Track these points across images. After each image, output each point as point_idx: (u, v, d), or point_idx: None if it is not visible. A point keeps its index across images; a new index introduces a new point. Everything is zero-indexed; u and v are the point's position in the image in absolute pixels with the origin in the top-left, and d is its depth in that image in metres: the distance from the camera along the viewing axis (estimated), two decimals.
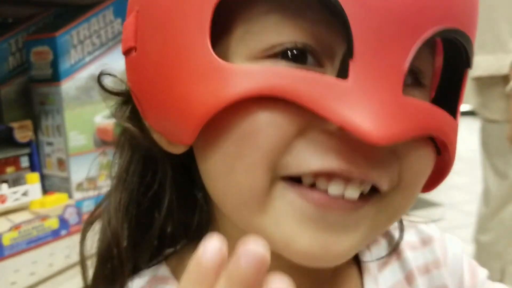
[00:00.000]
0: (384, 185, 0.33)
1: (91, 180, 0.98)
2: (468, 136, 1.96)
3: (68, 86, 0.93)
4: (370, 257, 0.45)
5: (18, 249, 0.84)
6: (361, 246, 0.35)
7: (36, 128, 0.98)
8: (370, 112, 0.29)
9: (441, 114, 0.33)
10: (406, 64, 0.30)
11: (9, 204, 0.87)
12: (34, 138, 0.96)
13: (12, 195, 0.88)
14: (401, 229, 0.47)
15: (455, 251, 0.49)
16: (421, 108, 0.31)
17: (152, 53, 0.35)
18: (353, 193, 0.32)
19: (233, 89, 0.30)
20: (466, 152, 2.70)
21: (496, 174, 1.72)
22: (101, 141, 0.98)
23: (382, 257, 0.46)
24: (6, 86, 1.00)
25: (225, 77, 0.30)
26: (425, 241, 0.49)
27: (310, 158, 0.31)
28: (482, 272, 0.50)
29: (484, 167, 1.81)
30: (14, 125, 0.93)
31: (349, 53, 0.29)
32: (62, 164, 0.96)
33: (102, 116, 0.98)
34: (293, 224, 0.32)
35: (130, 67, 0.38)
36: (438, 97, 0.38)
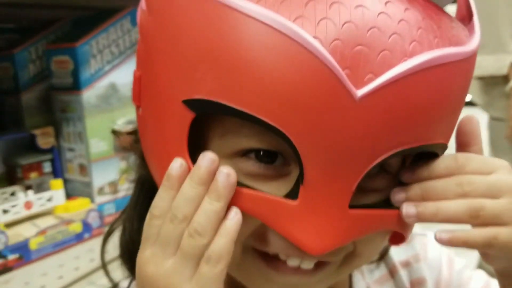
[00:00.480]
0: (337, 258, 0.39)
1: (112, 184, 1.01)
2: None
3: (89, 95, 0.96)
4: None
5: (44, 253, 0.88)
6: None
7: (58, 135, 1.01)
8: (312, 228, 0.34)
9: (389, 214, 0.37)
10: (354, 186, 0.34)
11: (34, 209, 0.91)
12: (55, 144, 0.99)
13: (37, 201, 0.91)
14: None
15: (434, 247, 0.55)
16: (365, 216, 0.35)
17: (148, 127, 0.40)
18: (307, 265, 0.38)
19: None
20: None
21: None
22: (121, 147, 1.01)
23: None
24: (27, 93, 1.03)
25: None
26: (407, 239, 0.54)
27: (274, 243, 0.37)
28: (459, 263, 0.55)
29: None
30: (37, 132, 0.96)
31: (300, 179, 0.33)
32: (83, 169, 0.99)
33: (122, 122, 1.01)
34: (261, 283, 0.40)
35: (138, 118, 0.42)
36: None
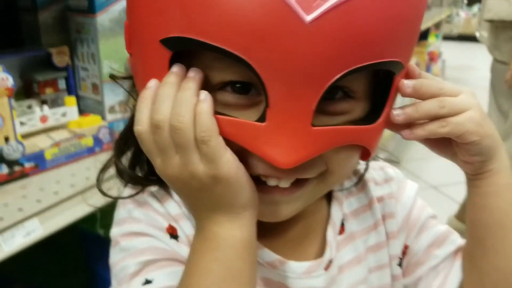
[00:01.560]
0: (311, 175, 0.45)
1: (122, 104, 1.07)
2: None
3: (103, 18, 1.00)
4: (341, 189, 0.60)
5: (58, 163, 0.96)
6: (305, 207, 0.49)
7: (72, 54, 1.06)
8: (280, 146, 0.39)
9: (350, 129, 0.42)
10: (314, 105, 0.38)
11: (50, 123, 0.98)
12: (70, 63, 1.04)
13: (52, 115, 0.98)
14: (366, 169, 0.61)
15: (410, 191, 0.62)
16: (327, 133, 0.40)
17: (137, 71, 0.45)
18: (284, 184, 0.45)
19: None
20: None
21: (499, 112, 1.80)
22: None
23: (347, 188, 0.60)
24: (44, 12, 1.06)
25: None
26: (387, 180, 0.62)
27: (253, 165, 0.43)
28: (429, 212, 0.62)
29: (490, 104, 1.89)
30: (53, 50, 1.02)
31: (266, 103, 0.38)
32: (96, 88, 1.05)
33: None
34: None
35: (131, 66, 0.47)
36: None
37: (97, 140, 1.01)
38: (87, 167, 0.99)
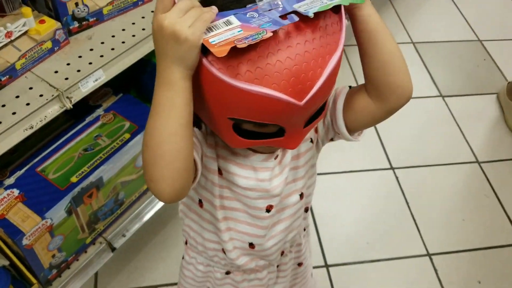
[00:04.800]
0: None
1: None
2: None
3: None
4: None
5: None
6: None
7: None
8: (290, 144, 0.74)
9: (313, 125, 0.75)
10: (303, 125, 0.72)
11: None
12: None
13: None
14: None
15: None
16: (309, 129, 0.75)
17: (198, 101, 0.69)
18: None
19: None
20: None
21: None
22: None
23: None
24: None
25: None
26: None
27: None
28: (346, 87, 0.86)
29: None
30: None
31: (283, 131, 0.71)
32: None
33: None
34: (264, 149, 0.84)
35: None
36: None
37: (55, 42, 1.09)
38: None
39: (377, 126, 2.28)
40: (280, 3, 0.63)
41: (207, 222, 0.95)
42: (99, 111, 1.46)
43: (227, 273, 1.05)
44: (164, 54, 0.62)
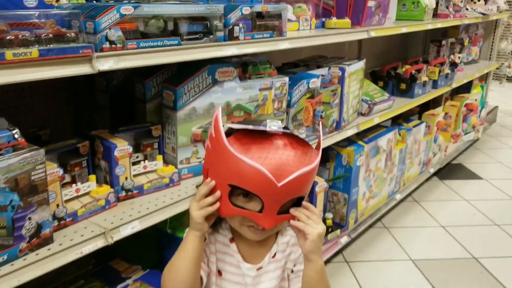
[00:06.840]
0: (273, 229, 1.23)
1: (187, 159, 1.78)
2: None
3: (180, 113, 1.69)
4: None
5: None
6: (275, 231, 1.26)
7: (163, 130, 1.77)
8: (267, 222, 1.11)
9: (287, 216, 1.14)
10: (277, 209, 1.10)
11: (148, 169, 1.72)
12: (161, 134, 1.75)
13: (149, 165, 1.73)
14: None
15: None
16: (282, 216, 1.12)
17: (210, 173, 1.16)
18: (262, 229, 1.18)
19: None
20: None
21: None
22: (194, 140, 1.76)
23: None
24: (150, 103, 1.81)
25: None
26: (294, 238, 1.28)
27: (251, 222, 1.17)
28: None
29: None
30: (152, 127, 1.74)
31: (262, 206, 1.10)
32: (174, 150, 1.75)
33: (196, 128, 1.75)
34: (247, 233, 1.20)
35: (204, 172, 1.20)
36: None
37: (172, 180, 1.74)
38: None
39: None
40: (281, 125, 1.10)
41: None
42: (129, 281, 1.79)
43: None
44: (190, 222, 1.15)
